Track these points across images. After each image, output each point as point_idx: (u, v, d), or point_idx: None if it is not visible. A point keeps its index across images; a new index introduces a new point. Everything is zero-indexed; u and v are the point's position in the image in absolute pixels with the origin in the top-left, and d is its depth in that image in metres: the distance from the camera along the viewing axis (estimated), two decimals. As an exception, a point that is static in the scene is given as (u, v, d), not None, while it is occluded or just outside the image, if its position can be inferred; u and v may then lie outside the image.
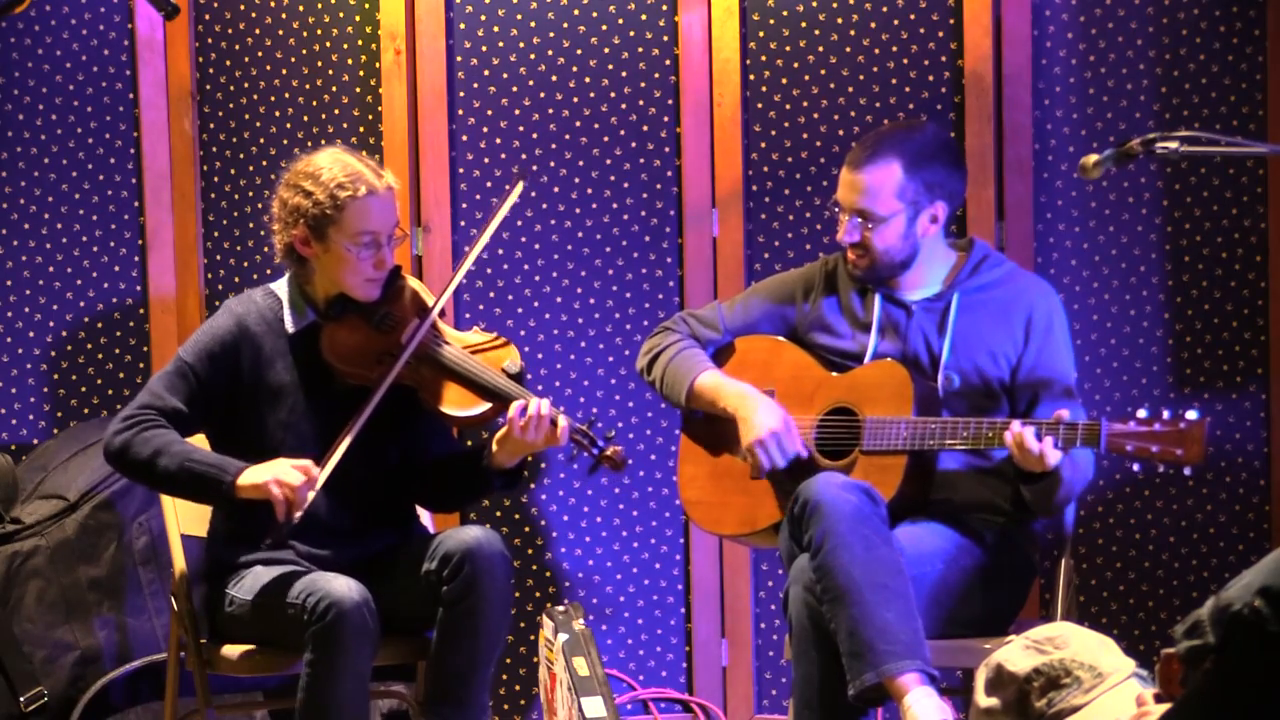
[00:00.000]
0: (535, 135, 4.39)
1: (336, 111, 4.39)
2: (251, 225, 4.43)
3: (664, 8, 4.36)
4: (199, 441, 3.57)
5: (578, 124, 4.39)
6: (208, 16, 4.45)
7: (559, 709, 3.78)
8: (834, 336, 3.65)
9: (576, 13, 4.37)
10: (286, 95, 4.42)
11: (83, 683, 4.06)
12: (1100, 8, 4.25)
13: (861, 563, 3.21)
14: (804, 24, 4.34)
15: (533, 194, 4.38)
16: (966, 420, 3.42)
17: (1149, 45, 4.24)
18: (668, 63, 4.37)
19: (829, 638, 3.24)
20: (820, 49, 4.34)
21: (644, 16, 4.37)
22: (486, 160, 4.39)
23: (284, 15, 4.42)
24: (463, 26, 4.38)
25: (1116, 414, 3.26)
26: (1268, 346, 4.24)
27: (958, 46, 4.27)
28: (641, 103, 4.38)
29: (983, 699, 2.50)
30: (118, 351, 4.48)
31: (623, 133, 4.38)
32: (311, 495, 3.36)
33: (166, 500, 3.69)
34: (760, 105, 4.36)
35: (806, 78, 4.34)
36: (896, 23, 4.30)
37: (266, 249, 4.23)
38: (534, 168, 4.39)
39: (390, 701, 4.17)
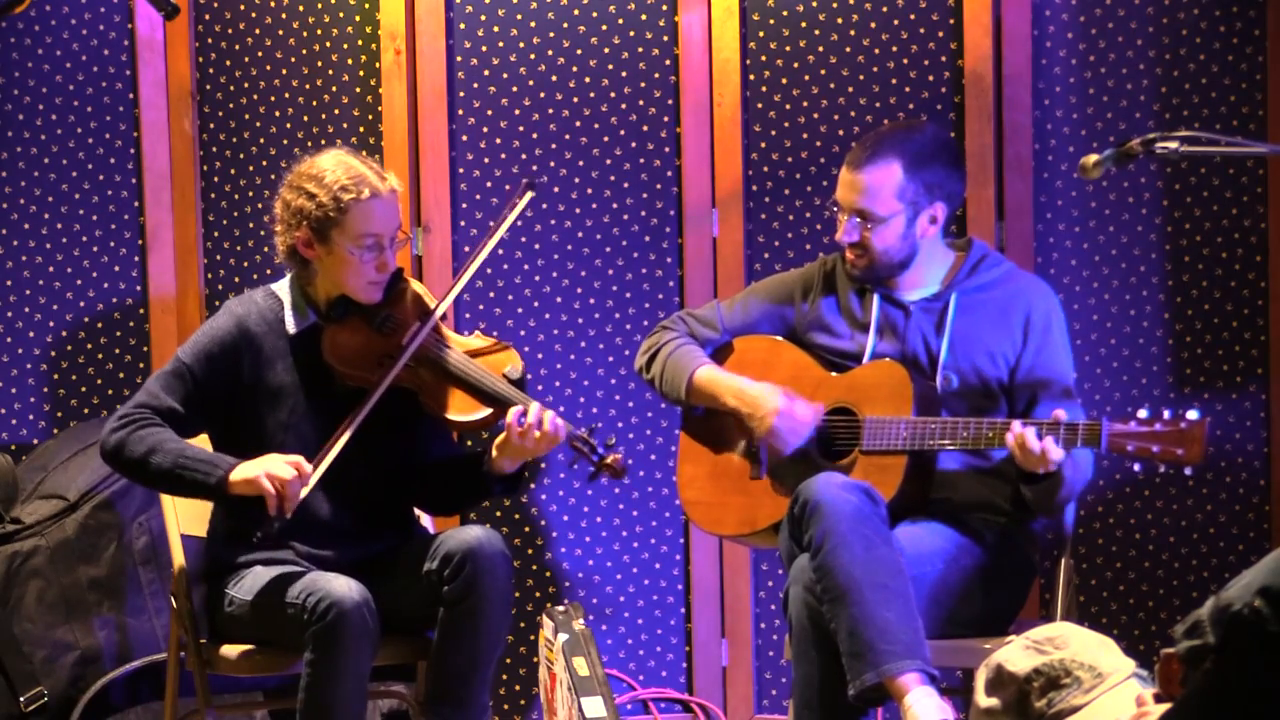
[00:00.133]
0: (535, 135, 4.39)
1: (336, 111, 4.39)
2: (252, 225, 4.43)
3: (664, 8, 4.36)
4: (200, 442, 3.58)
5: (578, 124, 4.39)
6: (208, 16, 4.45)
7: (559, 709, 3.78)
8: (832, 337, 3.65)
9: (576, 13, 4.37)
10: (286, 95, 4.42)
11: (83, 683, 4.06)
12: (1100, 8, 4.25)
13: (862, 563, 3.21)
14: (804, 24, 4.34)
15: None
16: (966, 420, 3.42)
17: (1149, 45, 4.24)
18: (668, 63, 4.37)
19: (829, 638, 3.24)
20: (820, 49, 4.34)
21: (644, 16, 4.37)
22: (486, 160, 4.39)
23: (284, 15, 4.42)
24: (463, 26, 4.38)
25: (1117, 414, 3.26)
26: (1268, 346, 4.24)
27: (958, 46, 4.27)
28: (641, 103, 4.38)
29: (983, 699, 2.50)
30: (118, 351, 4.48)
31: (623, 133, 4.38)
32: (304, 491, 3.36)
33: (166, 500, 3.69)
34: (760, 105, 4.36)
35: (806, 78, 4.34)
36: (896, 23, 4.30)
37: (267, 249, 4.24)
38: (534, 168, 4.39)
39: (390, 701, 4.17)
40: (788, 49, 4.35)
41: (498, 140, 4.39)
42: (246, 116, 4.44)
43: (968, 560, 3.45)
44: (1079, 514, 4.21)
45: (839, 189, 3.59)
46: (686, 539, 4.40)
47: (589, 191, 4.39)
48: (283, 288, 3.59)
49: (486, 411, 3.50)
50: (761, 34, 4.35)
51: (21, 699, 4.04)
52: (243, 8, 4.43)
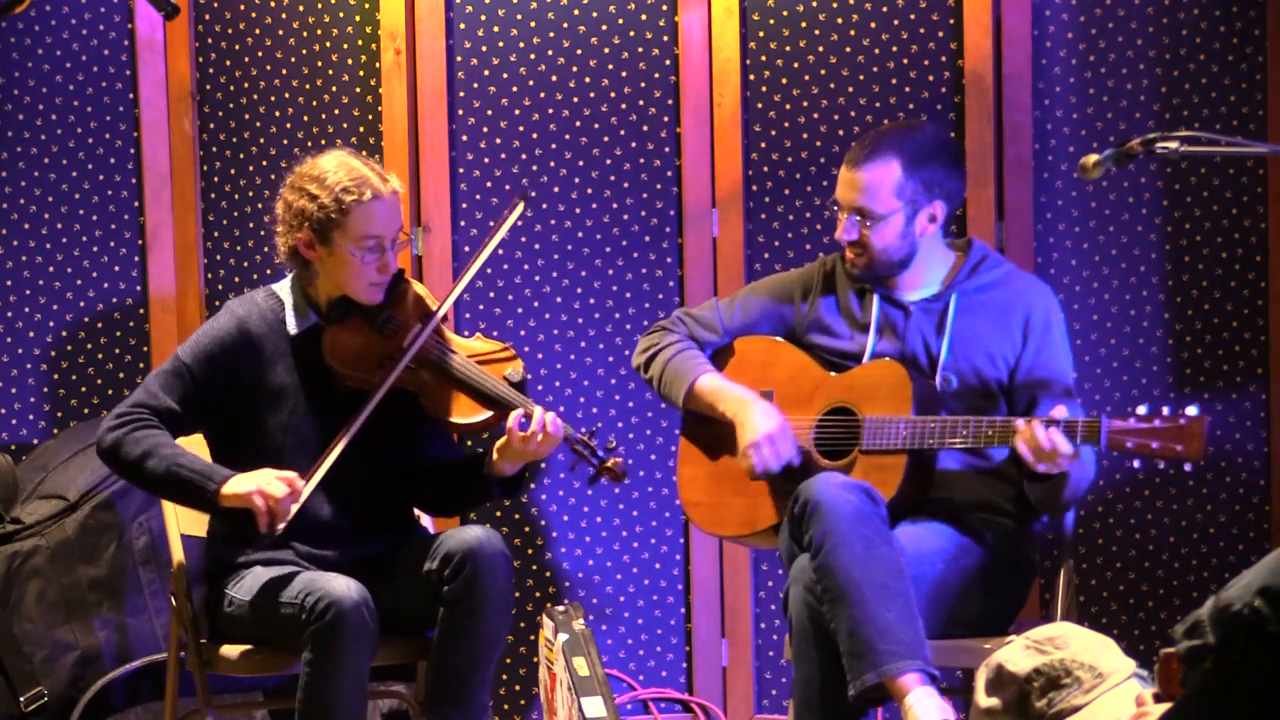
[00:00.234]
0: (535, 135, 4.39)
1: (336, 111, 4.39)
2: (252, 225, 4.43)
3: (664, 8, 4.36)
4: (198, 442, 3.58)
5: (578, 124, 4.39)
6: (208, 16, 4.45)
7: (559, 709, 3.78)
8: (832, 337, 3.65)
9: (576, 13, 4.37)
10: (286, 95, 4.42)
11: (83, 683, 4.06)
12: (1100, 8, 4.25)
13: (862, 563, 3.21)
14: (804, 24, 4.34)
15: (533, 194, 4.38)
16: (966, 419, 3.42)
17: (1149, 45, 4.24)
18: (668, 63, 4.37)
19: (829, 638, 3.24)
20: (820, 49, 4.34)
21: (644, 16, 4.37)
22: (486, 160, 4.39)
23: (284, 15, 4.42)
24: (463, 26, 4.38)
25: (1116, 414, 3.25)
26: (1268, 346, 4.24)
27: (958, 46, 4.27)
28: (641, 103, 4.38)
29: (983, 699, 2.50)
30: (118, 351, 4.48)
31: (623, 133, 4.38)
32: (295, 508, 3.36)
33: (166, 500, 3.69)
34: (760, 105, 4.36)
35: (806, 78, 4.34)
36: (896, 23, 4.30)
37: (267, 249, 4.24)
38: (534, 168, 4.39)
39: (390, 701, 4.17)
40: (788, 49, 4.35)
41: (498, 140, 4.39)
42: (246, 116, 4.44)
43: (968, 560, 3.45)
44: (1079, 514, 4.20)
45: (838, 187, 3.59)
46: (686, 539, 4.40)
47: (589, 191, 4.39)
48: (284, 288, 3.59)
49: (487, 414, 3.50)
50: (761, 34, 4.35)
51: (21, 699, 4.04)
52: (243, 8, 4.43)
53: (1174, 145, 3.18)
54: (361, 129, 4.38)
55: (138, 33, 4.42)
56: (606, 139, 4.38)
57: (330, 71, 4.40)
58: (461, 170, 4.39)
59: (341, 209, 3.44)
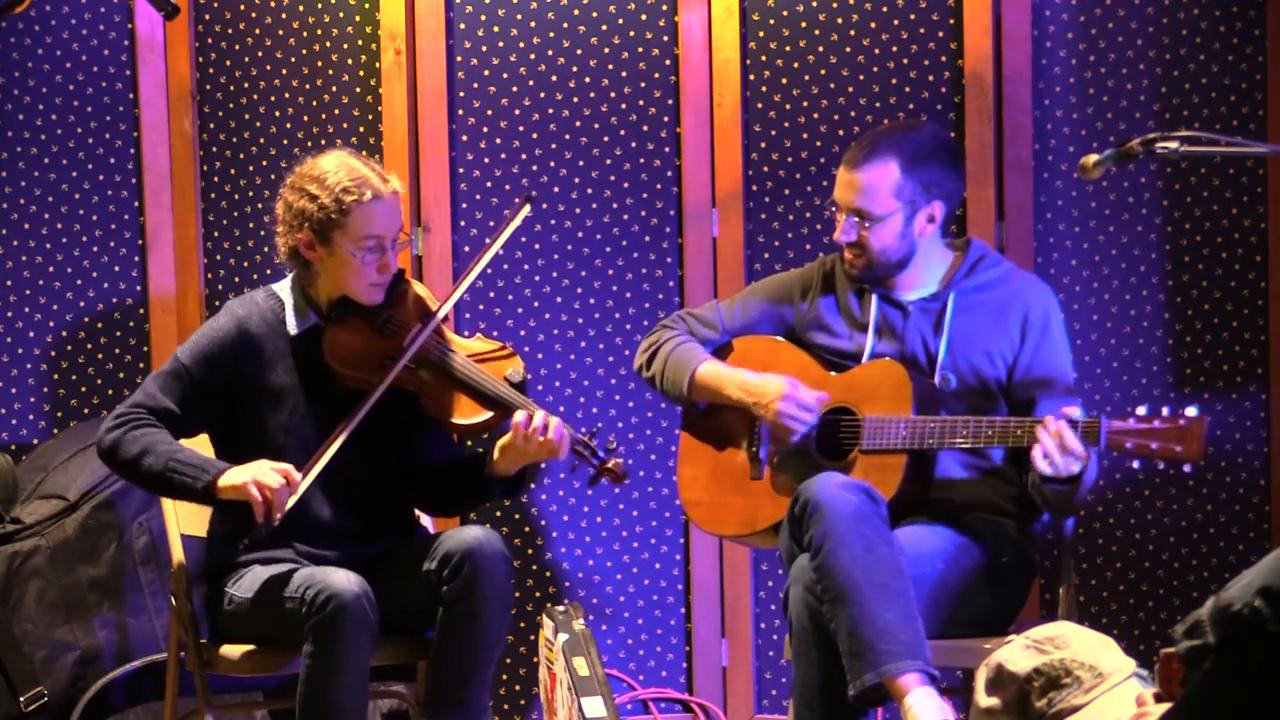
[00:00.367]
0: (535, 135, 4.39)
1: (336, 111, 4.39)
2: (252, 225, 4.43)
3: (664, 8, 4.36)
4: (203, 443, 3.58)
5: (578, 124, 4.39)
6: (208, 16, 4.45)
7: (559, 709, 3.78)
8: (832, 337, 3.65)
9: (576, 13, 4.37)
10: (286, 95, 4.42)
11: (83, 683, 4.06)
12: (1100, 8, 4.25)
13: (862, 563, 3.21)
14: (804, 24, 4.34)
15: (534, 193, 4.38)
16: (965, 419, 3.42)
17: (1149, 45, 4.24)
18: (668, 63, 4.37)
19: (829, 638, 3.24)
20: (820, 49, 4.34)
21: (644, 16, 4.37)
22: (486, 160, 4.39)
23: (284, 15, 4.42)
24: (463, 26, 4.38)
25: (1117, 414, 3.25)
26: (1268, 346, 4.24)
27: (958, 46, 4.27)
28: (641, 103, 4.38)
29: (983, 699, 2.50)
30: (118, 351, 4.48)
31: (623, 133, 4.38)
32: (293, 500, 3.36)
33: (166, 500, 3.69)
34: (760, 105, 4.36)
35: (806, 78, 4.34)
36: (896, 23, 4.31)
37: (267, 249, 4.24)
38: (534, 167, 4.39)
39: (390, 701, 4.17)
40: (788, 49, 4.35)
41: (498, 140, 4.39)
42: (246, 116, 4.44)
43: (968, 560, 3.45)
44: (1079, 514, 4.20)
45: (837, 188, 3.59)
46: (686, 539, 4.40)
47: (589, 191, 4.39)
48: (284, 288, 3.59)
49: (487, 415, 3.50)
50: (761, 34, 4.35)
51: (21, 699, 4.04)
52: (243, 8, 4.43)
53: (1174, 145, 3.19)
54: (361, 129, 4.38)
55: (138, 33, 4.42)
56: (606, 139, 4.38)
57: (330, 71, 4.40)
58: (461, 170, 4.39)
59: (342, 209, 3.44)
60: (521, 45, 4.38)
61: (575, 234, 4.40)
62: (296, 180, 3.50)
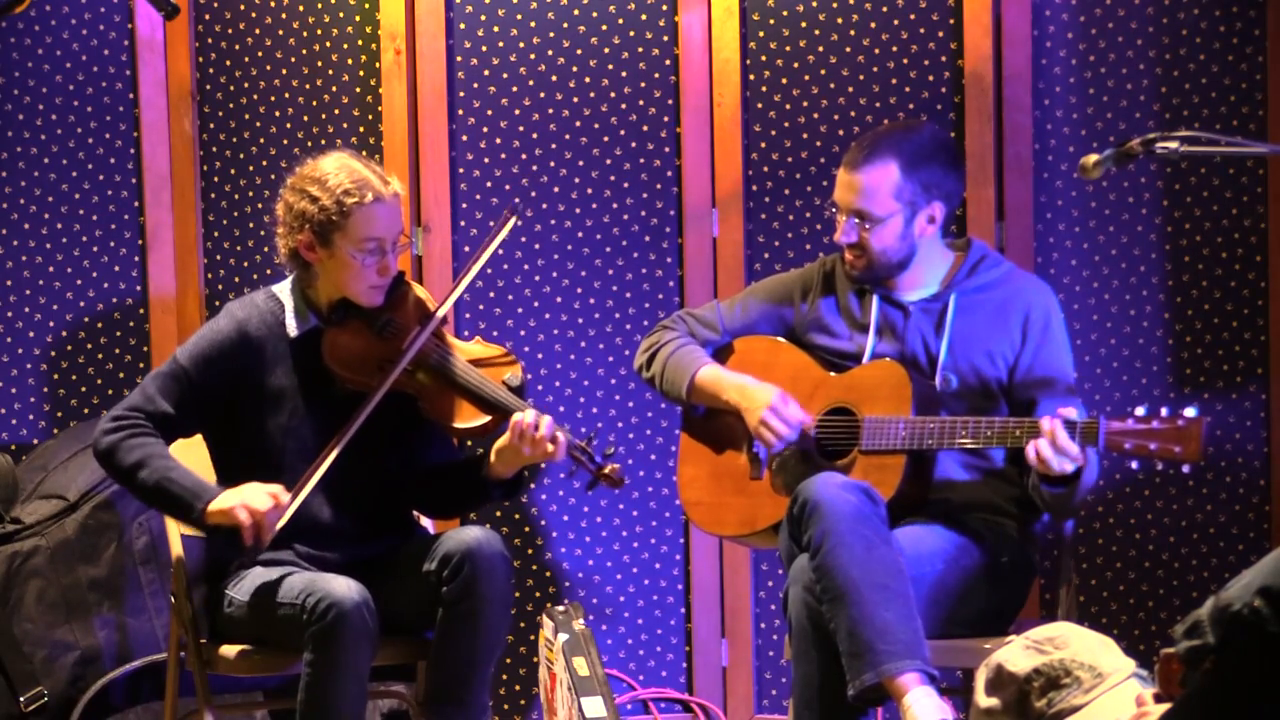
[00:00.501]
0: (535, 135, 4.39)
1: (336, 111, 4.39)
2: (251, 225, 4.43)
3: (664, 8, 4.36)
4: (199, 443, 3.58)
5: (578, 124, 4.39)
6: (208, 16, 4.45)
7: (559, 709, 3.78)
8: (832, 337, 3.65)
9: (576, 13, 4.37)
10: (286, 95, 4.42)
11: (83, 683, 4.06)
12: (1100, 8, 4.25)
13: (861, 563, 3.21)
14: (804, 24, 4.34)
15: (533, 194, 4.38)
16: (965, 419, 3.42)
17: (1149, 45, 4.24)
18: (668, 63, 4.37)
19: (829, 638, 3.24)
20: (820, 49, 4.34)
21: (644, 16, 4.37)
22: (486, 160, 4.39)
23: (284, 15, 4.42)
24: (463, 26, 4.38)
25: (1116, 414, 3.25)
26: (1268, 346, 4.24)
27: (958, 46, 4.27)
28: (641, 103, 4.38)
29: (983, 699, 2.50)
30: (118, 351, 4.48)
31: (623, 133, 4.38)
32: (282, 522, 3.36)
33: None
34: (760, 105, 4.36)
35: (806, 78, 4.34)
36: (896, 23, 4.30)
37: (267, 249, 4.24)
38: (534, 168, 4.39)
39: (390, 701, 4.17)
40: (788, 49, 4.35)
41: (498, 140, 4.39)
42: (246, 116, 4.44)
43: (968, 560, 3.45)
44: (1079, 514, 4.21)
45: (837, 189, 3.59)
46: (686, 539, 4.40)
47: (589, 191, 4.39)
48: (284, 290, 3.58)
49: (486, 418, 3.50)
50: (761, 34, 4.35)
51: (21, 699, 4.04)
52: (243, 8, 4.43)
53: (1174, 145, 3.18)
54: (361, 129, 4.38)
55: (138, 33, 4.42)
56: (606, 139, 4.38)
57: (330, 71, 4.40)
58: (461, 170, 4.39)
59: (342, 211, 3.43)
60: (521, 45, 4.38)
61: (575, 234, 4.40)
62: (297, 181, 3.50)
